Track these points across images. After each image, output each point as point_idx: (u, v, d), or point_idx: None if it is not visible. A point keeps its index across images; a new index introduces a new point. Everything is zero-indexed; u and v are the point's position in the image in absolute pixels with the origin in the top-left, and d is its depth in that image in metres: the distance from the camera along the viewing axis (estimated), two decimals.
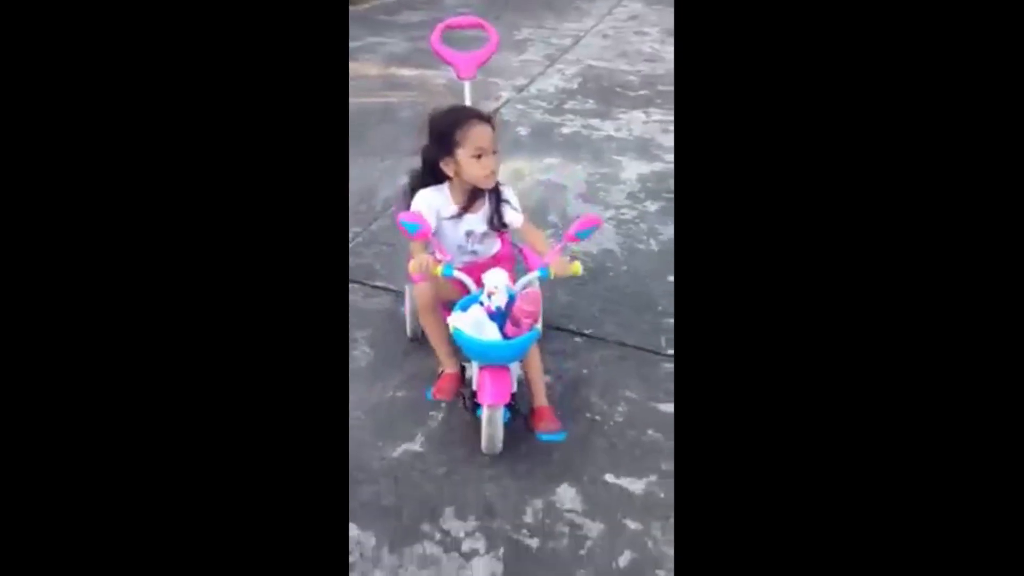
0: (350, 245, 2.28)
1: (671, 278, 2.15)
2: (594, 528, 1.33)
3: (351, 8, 5.26)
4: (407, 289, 1.76)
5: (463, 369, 1.62)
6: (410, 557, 1.27)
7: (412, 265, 1.44)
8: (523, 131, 3.26)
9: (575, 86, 3.91)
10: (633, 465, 1.48)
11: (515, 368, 1.52)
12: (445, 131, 1.51)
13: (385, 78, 3.98)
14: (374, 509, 1.36)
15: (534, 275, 1.46)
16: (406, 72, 4.07)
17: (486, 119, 1.54)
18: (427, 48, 4.94)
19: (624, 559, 1.28)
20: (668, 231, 2.42)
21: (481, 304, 1.43)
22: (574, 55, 4.58)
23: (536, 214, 2.40)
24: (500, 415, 1.45)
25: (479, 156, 1.49)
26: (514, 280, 1.48)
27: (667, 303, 2.02)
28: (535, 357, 1.56)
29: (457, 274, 1.47)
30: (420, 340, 1.73)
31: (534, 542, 1.30)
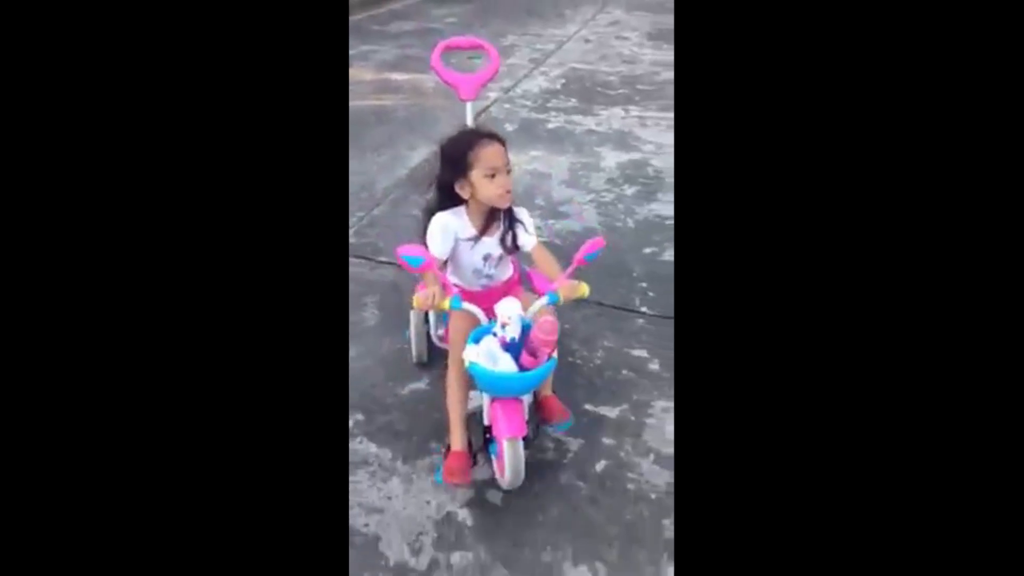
0: (356, 227, 2.55)
1: (646, 250, 2.44)
2: (575, 443, 1.60)
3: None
4: (411, 315, 1.80)
5: (470, 444, 1.55)
6: (420, 466, 1.53)
7: (417, 300, 1.41)
8: (510, 127, 3.56)
9: (558, 87, 4.22)
10: (609, 397, 1.75)
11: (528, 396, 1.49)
12: (458, 154, 1.52)
13: (379, 83, 4.28)
14: (389, 433, 1.62)
15: (543, 301, 1.44)
16: (398, 77, 4.37)
17: (497, 138, 1.55)
18: (417, 55, 5.29)
19: (600, 465, 1.55)
20: (643, 211, 2.72)
21: (494, 335, 1.41)
22: (558, 58, 4.91)
23: (523, 199, 2.68)
24: (520, 447, 1.44)
25: (493, 175, 1.49)
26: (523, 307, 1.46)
27: (641, 270, 2.30)
28: None
29: (466, 306, 1.44)
30: (426, 364, 1.82)
31: (526, 455, 1.57)
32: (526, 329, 1.39)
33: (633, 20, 6.28)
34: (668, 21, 6.22)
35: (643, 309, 2.11)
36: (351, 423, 1.66)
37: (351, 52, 4.77)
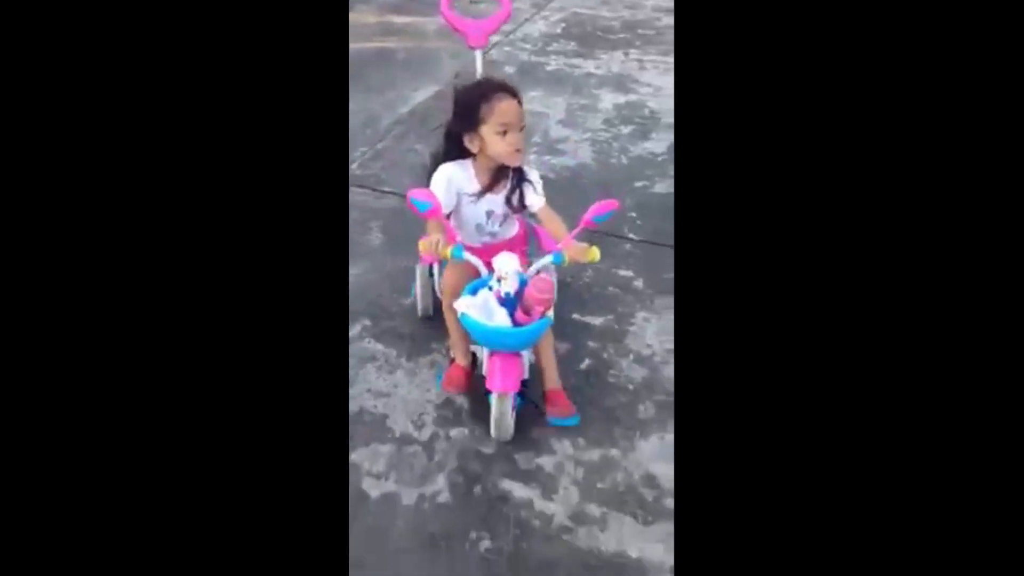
0: (360, 161, 2.69)
1: (637, 184, 2.58)
2: (562, 347, 1.79)
3: None
4: (417, 270, 1.80)
5: (474, 362, 1.61)
6: (422, 363, 1.73)
7: (422, 245, 1.43)
8: (510, 69, 3.65)
9: (559, 31, 4.28)
10: (595, 309, 1.93)
11: (527, 353, 1.53)
12: (470, 105, 1.47)
13: (381, 25, 4.34)
14: (393, 335, 1.81)
15: (547, 260, 1.44)
16: (400, 19, 4.43)
17: (513, 93, 1.49)
18: None
19: (584, 364, 1.74)
20: (637, 148, 2.85)
21: (491, 289, 1.42)
22: (559, 3, 4.93)
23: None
24: (510, 402, 1.46)
25: (504, 132, 1.45)
26: (526, 264, 1.48)
27: (631, 202, 2.45)
28: (548, 340, 1.56)
29: (468, 256, 1.45)
30: (432, 318, 1.81)
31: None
32: (523, 285, 1.40)
33: None
34: None
35: (631, 235, 2.27)
36: (358, 328, 1.84)
37: None
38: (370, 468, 1.46)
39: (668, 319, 1.90)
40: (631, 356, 1.78)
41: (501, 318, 1.40)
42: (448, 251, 1.43)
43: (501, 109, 1.46)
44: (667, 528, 1.34)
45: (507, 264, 1.40)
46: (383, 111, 3.12)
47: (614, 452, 1.51)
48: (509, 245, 1.62)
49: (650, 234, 2.27)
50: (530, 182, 1.57)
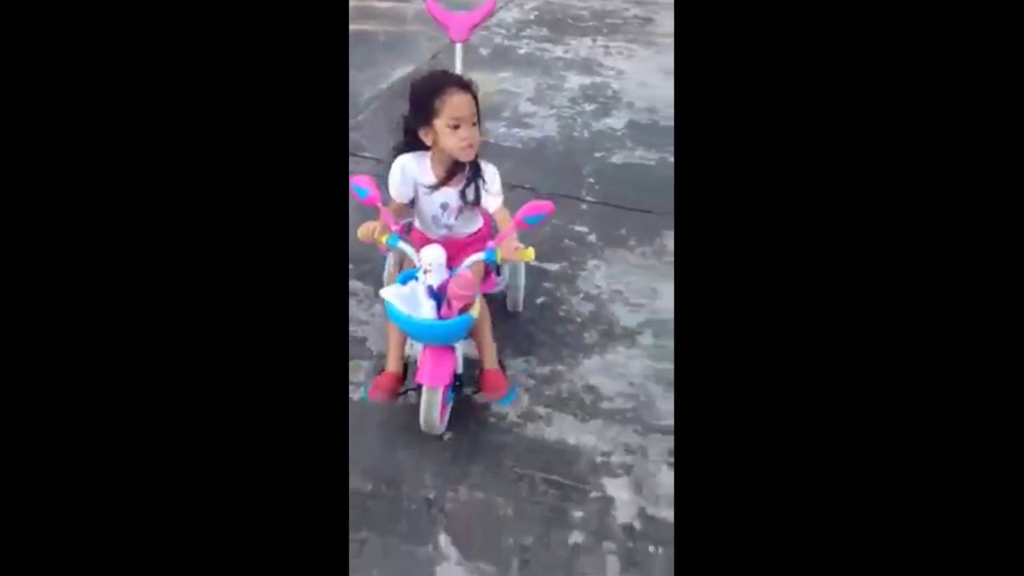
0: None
1: (597, 154, 2.86)
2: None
3: None
4: (388, 257, 1.83)
5: (405, 369, 1.61)
6: None
7: (360, 230, 1.46)
8: (484, 51, 3.91)
9: (532, 18, 4.55)
10: (552, 256, 2.21)
11: (461, 345, 1.56)
12: (423, 98, 1.49)
13: (361, 9, 4.55)
14: (371, 276, 2.06)
15: (479, 256, 1.47)
16: (380, 4, 4.66)
17: (466, 87, 1.51)
18: None
19: (539, 300, 2.02)
20: (599, 124, 3.13)
21: (418, 280, 1.45)
22: None
23: (493, 112, 3.07)
24: (438, 397, 1.49)
25: (456, 127, 1.46)
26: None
27: (590, 169, 2.73)
28: (485, 321, 1.58)
29: (402, 245, 1.49)
30: None
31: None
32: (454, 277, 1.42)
33: None
34: None
35: (588, 198, 2.55)
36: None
37: None
38: (351, 379, 1.72)
39: (616, 266, 2.18)
40: (581, 295, 2.05)
41: (427, 310, 1.42)
42: (384, 238, 1.47)
43: (453, 103, 1.47)
44: (598, 424, 1.62)
45: (431, 256, 1.44)
46: (364, 87, 3.35)
47: (561, 367, 1.79)
48: (471, 240, 1.65)
49: (604, 196, 2.56)
50: (483, 180, 1.58)
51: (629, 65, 3.82)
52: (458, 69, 1.84)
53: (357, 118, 3.05)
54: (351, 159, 2.73)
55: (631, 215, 2.45)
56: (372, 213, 1.53)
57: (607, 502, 1.45)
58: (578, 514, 1.42)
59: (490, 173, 1.60)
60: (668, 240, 2.28)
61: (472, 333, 1.56)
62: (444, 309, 1.43)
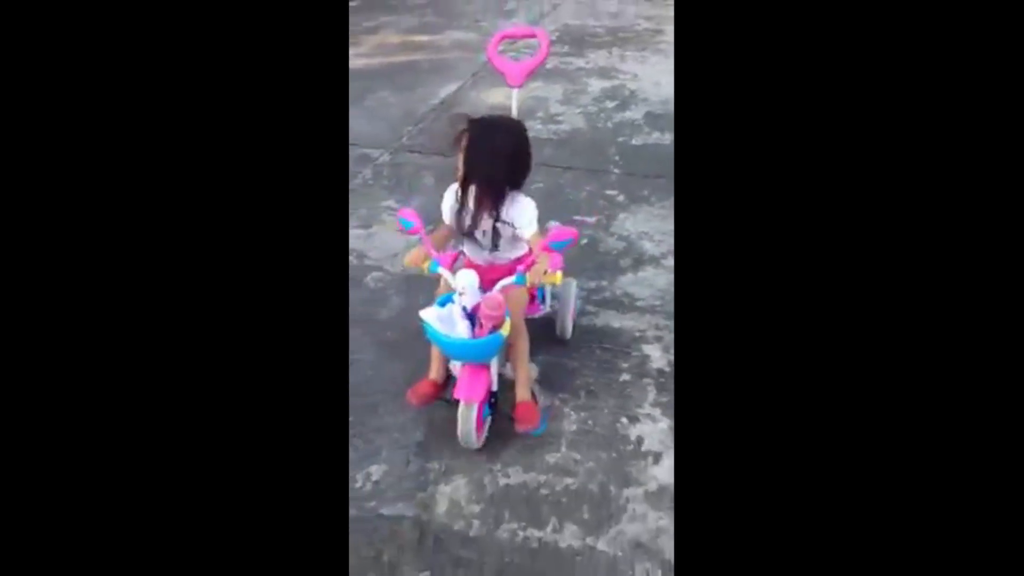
0: (408, 136, 3.65)
1: (620, 139, 3.52)
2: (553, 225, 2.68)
3: None
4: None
5: (447, 380, 1.77)
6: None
7: (406, 258, 1.72)
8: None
9: (554, 37, 5.29)
10: (589, 211, 2.85)
11: (495, 366, 1.71)
12: (456, 136, 1.70)
13: (404, 44, 5.37)
14: None
15: (508, 280, 1.65)
16: (420, 38, 5.46)
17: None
18: (432, 21, 6.44)
19: (584, 241, 2.64)
20: (619, 116, 3.80)
21: (454, 302, 1.62)
22: (553, 17, 5.97)
23: (527, 115, 3.75)
24: (473, 411, 1.63)
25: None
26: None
27: (614, 150, 3.39)
28: (522, 356, 1.76)
29: (441, 271, 1.68)
30: None
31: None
32: None
33: None
34: None
35: (615, 171, 3.20)
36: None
37: (374, 23, 5.86)
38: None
39: (641, 216, 2.81)
40: (615, 236, 2.68)
41: (462, 330, 1.60)
42: (426, 264, 1.68)
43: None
44: (634, 315, 2.23)
45: (464, 280, 1.62)
46: (418, 103, 4.09)
47: (604, 283, 2.41)
48: (513, 266, 1.76)
49: (628, 169, 3.20)
50: (506, 223, 1.73)
51: (642, 69, 4.51)
52: (514, 112, 2.08)
53: (419, 125, 3.77)
54: (421, 156, 3.43)
55: (649, 181, 3.08)
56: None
57: (644, 357, 2.05)
58: (624, 365, 2.02)
59: (520, 206, 1.75)
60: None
61: (510, 360, 1.78)
62: (477, 329, 1.60)
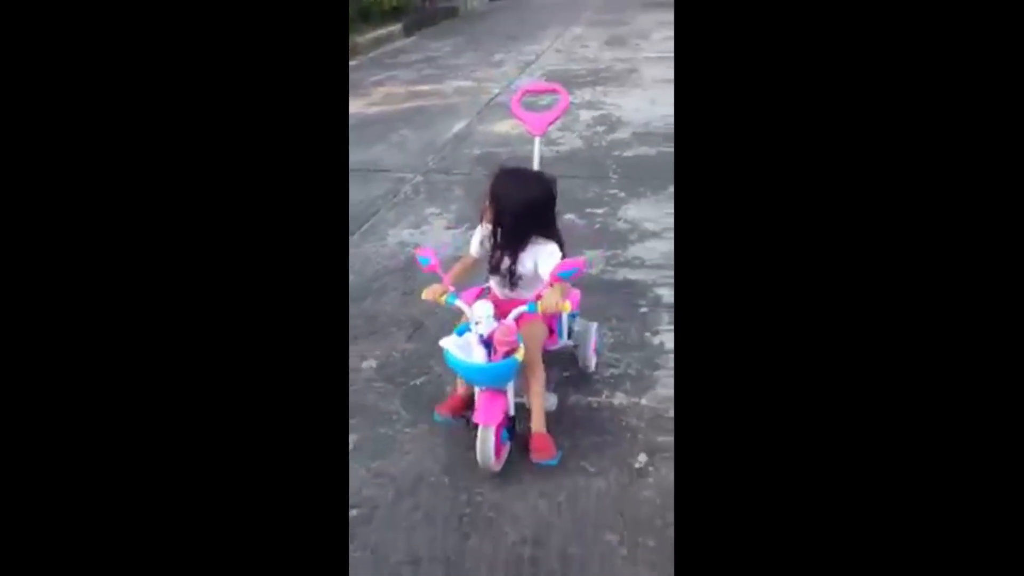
0: (434, 161, 4.35)
1: (615, 152, 4.27)
2: (579, 223, 3.36)
3: (361, 57, 7.52)
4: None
5: (472, 397, 1.89)
6: None
7: (424, 293, 1.87)
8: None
9: (543, 80, 6.13)
10: (596, 206, 3.54)
11: (511, 393, 1.85)
12: (488, 183, 1.90)
13: (410, 93, 6.18)
14: None
15: (521, 308, 1.80)
16: (424, 87, 6.29)
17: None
18: (432, 73, 7.40)
19: (596, 226, 3.32)
20: (610, 137, 4.59)
21: (471, 331, 1.78)
22: (538, 65, 6.89)
23: (523, 142, 4.50)
24: (491, 435, 1.76)
25: None
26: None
27: (613, 164, 4.15)
28: (537, 388, 1.89)
29: (458, 303, 1.83)
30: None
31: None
32: None
33: (591, 33, 8.37)
34: (619, 31, 8.33)
35: (614, 176, 3.92)
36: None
37: (378, 77, 6.69)
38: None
39: (640, 205, 3.52)
40: (621, 220, 3.38)
41: (479, 356, 1.76)
42: (444, 298, 1.85)
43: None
44: (644, 270, 2.88)
45: (480, 310, 1.77)
46: (435, 137, 4.84)
47: (617, 251, 3.08)
48: (524, 303, 1.89)
49: (625, 174, 3.95)
50: (515, 260, 1.89)
51: (624, 101, 5.36)
52: (536, 157, 2.29)
53: (441, 153, 4.50)
54: (447, 175, 4.13)
55: (644, 180, 3.81)
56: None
57: (659, 296, 2.71)
58: (642, 301, 2.67)
59: (544, 251, 1.90)
60: (670, 191, 3.61)
61: (525, 392, 1.92)
62: (492, 355, 1.76)
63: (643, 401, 2.12)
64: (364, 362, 2.36)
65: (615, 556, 1.60)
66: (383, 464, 1.91)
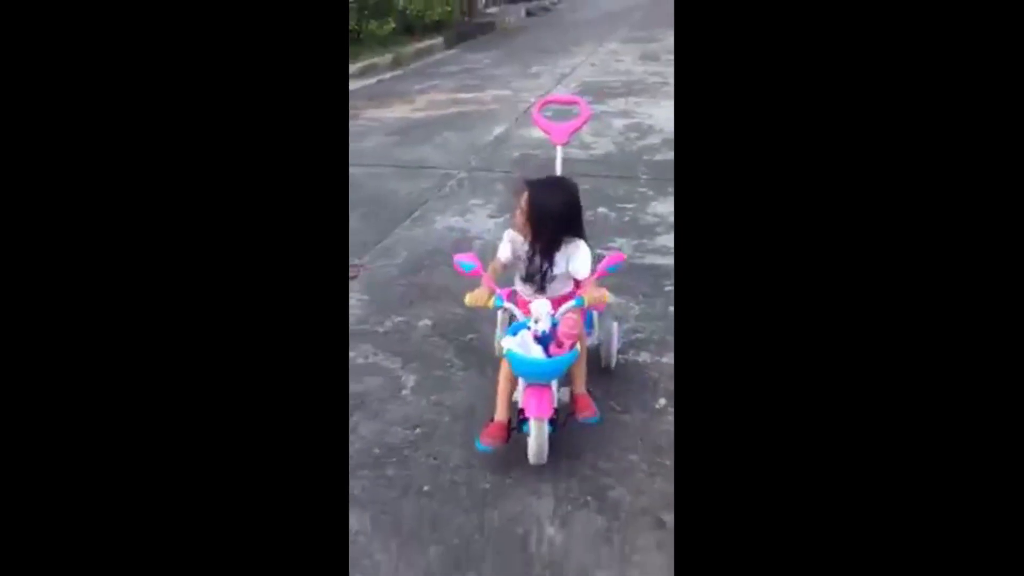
0: (476, 161, 4.74)
1: (644, 156, 4.62)
2: (611, 215, 3.70)
3: (405, 67, 7.99)
4: (498, 317, 2.33)
5: (510, 421, 1.96)
6: None
7: (468, 298, 1.91)
8: (548, 113, 5.79)
9: (578, 91, 6.52)
10: (621, 201, 3.87)
11: (555, 386, 1.93)
12: (515, 193, 2.02)
13: (452, 100, 6.62)
14: None
15: (571, 304, 1.92)
16: (464, 95, 6.72)
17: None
18: (471, 83, 7.92)
19: (625, 219, 3.66)
20: (641, 143, 4.95)
21: (528, 329, 1.85)
22: (573, 77, 7.29)
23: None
24: (546, 427, 1.86)
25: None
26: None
27: (642, 165, 4.48)
28: (579, 367, 2.01)
29: (507, 305, 1.91)
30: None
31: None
32: (555, 325, 1.85)
33: (625, 49, 8.77)
34: (652, 48, 8.72)
35: (643, 176, 4.27)
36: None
37: (423, 86, 7.15)
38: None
39: (666, 205, 3.85)
40: (650, 215, 3.72)
41: (537, 353, 1.85)
42: (491, 302, 1.92)
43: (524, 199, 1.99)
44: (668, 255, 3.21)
45: (541, 308, 1.87)
46: (476, 139, 5.24)
47: (644, 241, 3.40)
48: (562, 299, 2.02)
49: (653, 175, 4.29)
50: (552, 263, 2.02)
51: (655, 111, 5.72)
52: (558, 164, 2.46)
53: (481, 154, 4.90)
54: (490, 172, 4.51)
55: (671, 181, 4.13)
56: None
57: (668, 250, 3.01)
58: (667, 282, 3.00)
59: (578, 252, 2.04)
60: None
61: (569, 371, 2.01)
62: (553, 348, 1.85)
63: (664, 360, 2.44)
64: (420, 321, 2.72)
65: (637, 471, 1.93)
66: (440, 396, 2.27)
